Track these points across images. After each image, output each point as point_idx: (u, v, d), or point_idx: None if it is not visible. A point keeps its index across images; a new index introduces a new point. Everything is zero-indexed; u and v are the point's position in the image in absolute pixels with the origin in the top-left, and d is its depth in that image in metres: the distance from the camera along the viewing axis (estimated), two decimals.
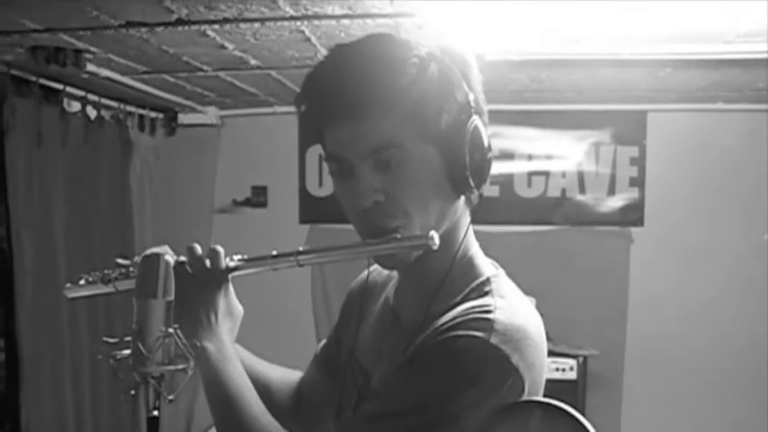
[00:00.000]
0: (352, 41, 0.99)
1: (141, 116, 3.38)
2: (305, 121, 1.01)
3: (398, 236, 0.95)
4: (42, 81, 2.58)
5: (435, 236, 0.93)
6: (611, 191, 3.61)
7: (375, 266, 1.18)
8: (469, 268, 1.05)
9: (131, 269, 1.08)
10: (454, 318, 0.94)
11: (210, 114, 3.59)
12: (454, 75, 0.97)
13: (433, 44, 0.99)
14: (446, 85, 0.96)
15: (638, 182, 3.59)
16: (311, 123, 1.00)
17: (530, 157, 3.62)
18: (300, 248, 1.02)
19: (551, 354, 3.22)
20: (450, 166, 0.97)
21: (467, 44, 1.06)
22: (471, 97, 0.99)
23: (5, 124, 2.46)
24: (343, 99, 0.93)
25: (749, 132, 3.51)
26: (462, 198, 1.03)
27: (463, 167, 0.96)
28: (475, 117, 0.98)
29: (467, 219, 1.06)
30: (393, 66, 0.93)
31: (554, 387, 3.42)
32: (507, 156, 3.59)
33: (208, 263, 1.06)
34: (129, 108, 3.24)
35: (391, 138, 0.94)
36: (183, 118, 3.63)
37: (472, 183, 0.98)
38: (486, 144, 1.00)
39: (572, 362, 3.22)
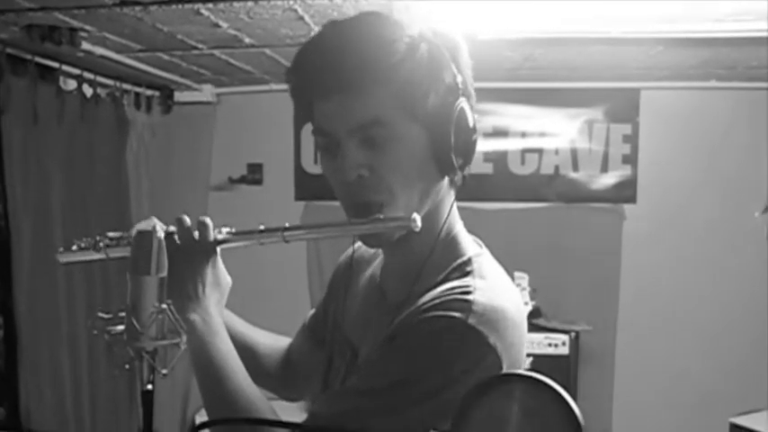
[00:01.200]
0: (344, 18, 0.99)
1: (137, 94, 3.38)
2: (295, 95, 1.01)
3: (381, 216, 0.96)
4: (38, 59, 2.58)
5: (417, 218, 0.93)
6: (604, 168, 3.62)
7: (361, 243, 1.20)
8: (453, 247, 1.06)
9: (122, 240, 1.10)
10: (434, 298, 0.95)
11: (206, 92, 3.59)
12: (443, 56, 0.98)
13: (424, 26, 0.99)
14: (435, 66, 0.97)
15: (631, 159, 3.60)
16: (301, 97, 1.01)
17: (523, 135, 3.63)
18: (287, 225, 1.03)
19: (544, 329, 3.28)
20: (435, 146, 0.97)
21: (457, 27, 1.07)
22: (459, 79, 0.99)
23: (2, 103, 2.47)
24: (333, 73, 0.93)
25: (742, 110, 3.52)
26: (446, 178, 1.03)
27: (448, 148, 0.97)
28: (462, 99, 0.99)
29: (451, 198, 1.07)
30: (384, 44, 0.93)
31: (547, 362, 3.46)
32: (501, 133, 3.60)
33: (196, 235, 1.07)
34: (126, 86, 3.24)
35: (378, 115, 0.94)
36: (179, 96, 3.63)
37: (456, 163, 0.98)
38: (471, 126, 1.00)
39: (564, 337, 3.25)
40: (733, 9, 2.10)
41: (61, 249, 1.18)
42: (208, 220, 1.08)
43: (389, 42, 0.93)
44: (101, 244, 1.12)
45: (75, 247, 1.16)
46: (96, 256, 1.13)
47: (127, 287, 0.87)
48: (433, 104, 0.96)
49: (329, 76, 0.93)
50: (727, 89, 3.45)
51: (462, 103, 0.98)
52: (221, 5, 2.01)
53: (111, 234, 1.12)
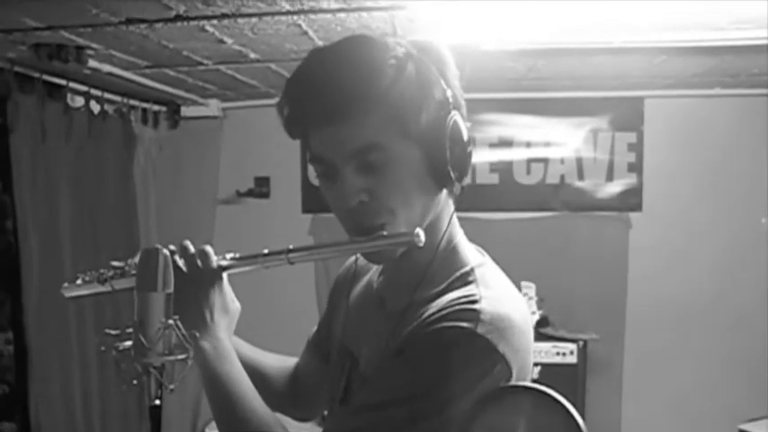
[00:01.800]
0: (329, 45, 1.00)
1: (144, 110, 3.40)
2: (289, 126, 1.01)
3: (385, 233, 0.97)
4: (45, 77, 2.60)
5: (421, 233, 0.95)
6: (610, 177, 3.63)
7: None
8: (453, 257, 1.06)
9: (126, 268, 1.11)
10: (441, 309, 0.96)
11: (213, 107, 3.61)
12: (431, 72, 0.98)
13: (408, 43, 1.00)
14: (424, 83, 0.97)
15: (636, 167, 3.60)
16: (295, 129, 1.01)
17: (528, 145, 3.64)
18: (291, 246, 1.04)
19: (552, 338, 3.28)
20: (431, 161, 0.98)
21: (454, 44, 1.08)
22: (449, 93, 1.00)
23: (10, 121, 2.49)
24: (324, 104, 0.94)
25: (746, 117, 3.52)
26: (444, 190, 1.04)
27: (444, 162, 0.98)
28: (454, 112, 0.99)
29: (450, 209, 1.07)
30: (371, 68, 0.94)
31: (555, 371, 3.45)
32: (506, 143, 3.61)
33: (199, 263, 1.08)
34: (133, 102, 3.26)
35: (373, 139, 0.95)
36: (186, 111, 3.65)
37: (453, 176, 0.99)
38: (465, 138, 1.01)
39: (572, 346, 3.25)
40: (734, 17, 2.11)
41: (66, 285, 1.20)
42: (208, 249, 1.09)
43: (377, 66, 0.94)
44: (105, 276, 1.13)
45: (79, 281, 1.17)
46: (101, 288, 1.14)
47: (134, 303, 0.88)
48: (425, 121, 0.97)
49: (320, 107, 0.94)
50: (730, 96, 3.45)
51: (455, 116, 0.99)
52: (226, 22, 2.03)
53: (114, 263, 1.13)
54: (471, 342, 0.92)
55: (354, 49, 0.98)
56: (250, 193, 3.75)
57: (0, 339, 2.78)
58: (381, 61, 0.94)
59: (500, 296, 0.99)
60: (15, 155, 2.54)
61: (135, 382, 0.86)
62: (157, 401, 0.87)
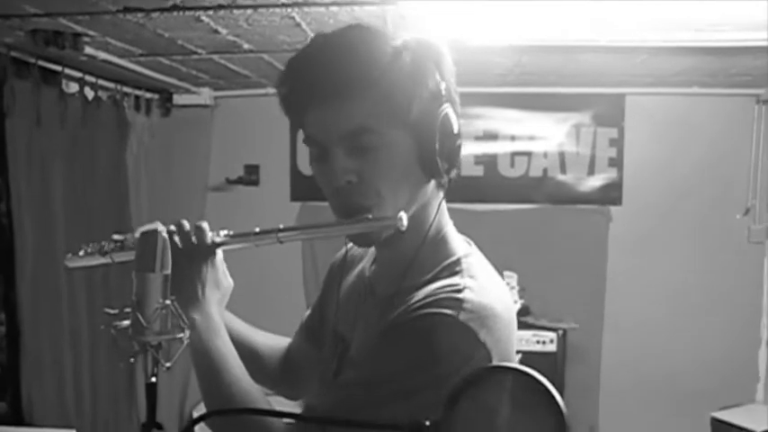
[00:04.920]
0: (331, 32, 1.03)
1: (137, 97, 3.43)
2: (286, 105, 1.05)
3: (369, 216, 0.99)
4: (41, 63, 2.62)
5: (404, 217, 0.97)
6: (591, 171, 3.70)
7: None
8: (442, 247, 1.08)
9: (125, 242, 1.14)
10: (426, 296, 0.98)
11: (204, 95, 3.64)
12: (427, 65, 1.01)
13: (407, 35, 1.02)
14: (419, 73, 0.99)
15: (617, 162, 3.68)
16: (291, 107, 1.04)
17: (513, 138, 3.70)
18: (281, 226, 1.07)
19: (533, 327, 3.35)
20: (421, 151, 1.00)
21: (449, 34, 1.11)
22: (443, 86, 1.02)
23: (6, 105, 2.51)
24: (321, 85, 0.97)
25: (723, 115, 3.61)
26: (433, 181, 1.06)
27: (433, 152, 1.00)
28: (446, 105, 1.01)
29: (438, 199, 1.09)
30: (368, 54, 0.97)
31: (535, 359, 3.51)
32: (491, 136, 3.67)
33: (194, 238, 1.10)
34: (126, 89, 3.28)
35: (365, 123, 0.97)
36: (178, 98, 3.68)
37: (442, 167, 1.01)
38: (455, 131, 1.03)
39: (552, 335, 3.32)
40: (713, 20, 2.18)
41: (69, 255, 1.21)
42: (204, 225, 1.11)
43: (374, 53, 0.97)
44: (106, 248, 1.15)
45: (81, 252, 1.19)
46: (102, 260, 1.17)
47: (128, 282, 0.90)
48: (417, 111, 0.99)
49: (318, 86, 0.97)
50: (708, 95, 3.53)
51: (446, 108, 1.02)
52: (221, 13, 2.05)
53: (115, 236, 1.15)
54: (453, 328, 0.94)
55: (354, 36, 1.01)
56: (240, 181, 3.79)
57: None
58: (378, 49, 0.98)
59: (485, 286, 1.01)
60: (11, 139, 2.56)
61: (132, 359, 0.87)
62: (153, 379, 0.88)
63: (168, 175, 3.66)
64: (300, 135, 1.05)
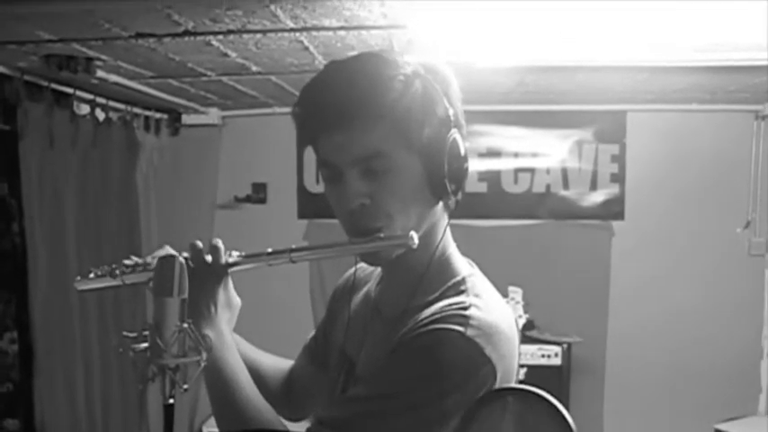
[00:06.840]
0: (345, 59, 1.05)
1: (147, 117, 3.46)
2: (301, 130, 1.07)
3: (381, 235, 1.01)
4: (54, 86, 2.66)
5: (415, 236, 0.99)
6: (593, 186, 3.73)
7: (360, 264, 1.25)
8: (446, 267, 1.11)
9: (137, 266, 1.15)
10: (433, 314, 1.01)
11: (212, 115, 3.69)
12: (436, 91, 1.03)
13: (417, 63, 1.05)
14: (429, 100, 1.02)
15: (619, 178, 3.71)
16: (307, 132, 1.06)
17: (516, 155, 3.74)
18: (293, 246, 1.08)
19: (538, 341, 3.38)
20: (430, 173, 1.03)
21: (448, 59, 1.14)
22: (451, 112, 1.04)
23: (20, 127, 2.54)
24: (336, 111, 0.99)
25: (722, 131, 3.65)
26: (441, 203, 1.09)
27: (442, 176, 1.02)
28: (454, 130, 1.04)
29: (444, 221, 1.12)
30: (381, 82, 0.99)
31: (540, 372, 3.53)
32: (495, 153, 3.71)
33: (209, 258, 1.11)
34: (136, 110, 3.32)
35: (378, 147, 1.00)
36: (187, 119, 3.73)
37: (450, 189, 1.04)
38: (463, 155, 1.06)
39: (557, 349, 3.34)
40: (711, 40, 2.22)
41: (78, 278, 1.23)
42: (220, 244, 1.12)
43: (387, 81, 1.00)
44: (117, 271, 1.16)
45: (92, 275, 1.20)
46: (113, 282, 1.18)
47: (139, 302, 0.94)
48: (427, 136, 1.02)
49: (333, 112, 0.99)
50: (708, 111, 3.57)
51: (454, 134, 1.04)
52: (231, 37, 2.09)
53: (126, 261, 1.17)
54: (460, 344, 0.96)
55: (367, 64, 1.04)
56: (248, 199, 3.82)
57: (5, 338, 2.85)
58: (391, 77, 1.00)
59: (489, 305, 1.03)
60: (24, 160, 2.58)
61: (151, 381, 0.89)
62: (171, 400, 0.90)
63: (177, 193, 3.70)
64: (307, 153, 1.08)
